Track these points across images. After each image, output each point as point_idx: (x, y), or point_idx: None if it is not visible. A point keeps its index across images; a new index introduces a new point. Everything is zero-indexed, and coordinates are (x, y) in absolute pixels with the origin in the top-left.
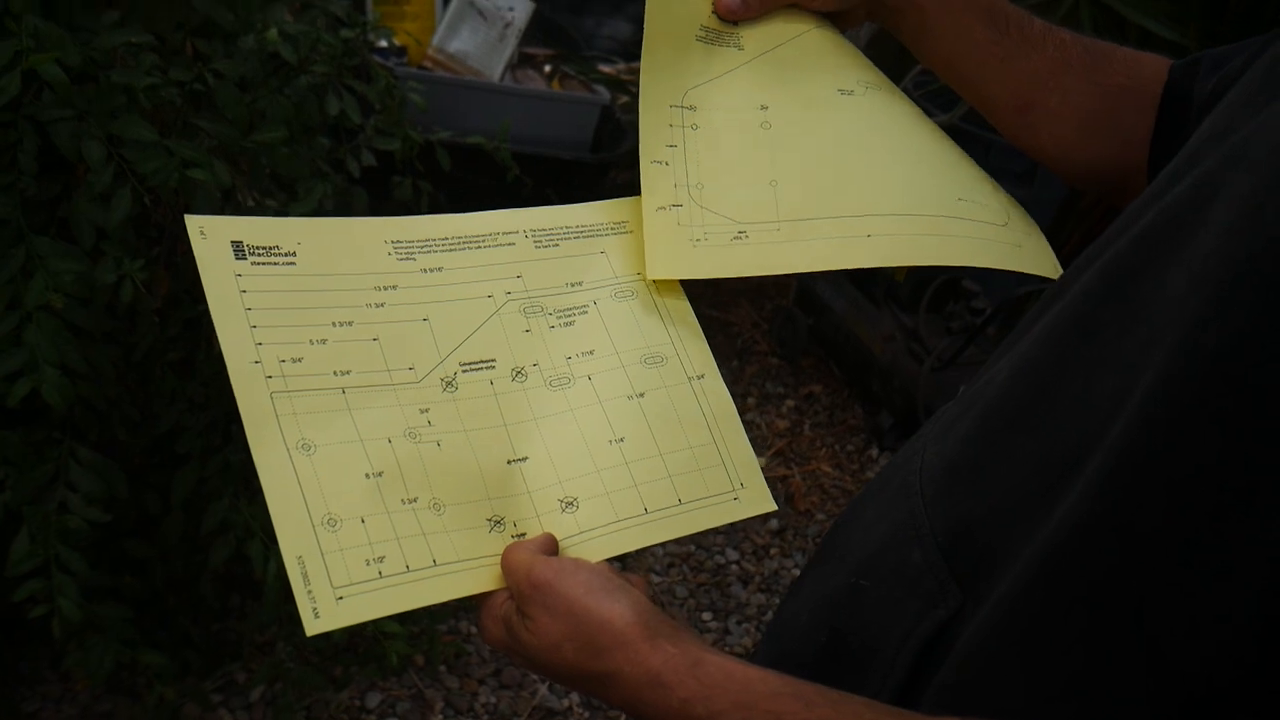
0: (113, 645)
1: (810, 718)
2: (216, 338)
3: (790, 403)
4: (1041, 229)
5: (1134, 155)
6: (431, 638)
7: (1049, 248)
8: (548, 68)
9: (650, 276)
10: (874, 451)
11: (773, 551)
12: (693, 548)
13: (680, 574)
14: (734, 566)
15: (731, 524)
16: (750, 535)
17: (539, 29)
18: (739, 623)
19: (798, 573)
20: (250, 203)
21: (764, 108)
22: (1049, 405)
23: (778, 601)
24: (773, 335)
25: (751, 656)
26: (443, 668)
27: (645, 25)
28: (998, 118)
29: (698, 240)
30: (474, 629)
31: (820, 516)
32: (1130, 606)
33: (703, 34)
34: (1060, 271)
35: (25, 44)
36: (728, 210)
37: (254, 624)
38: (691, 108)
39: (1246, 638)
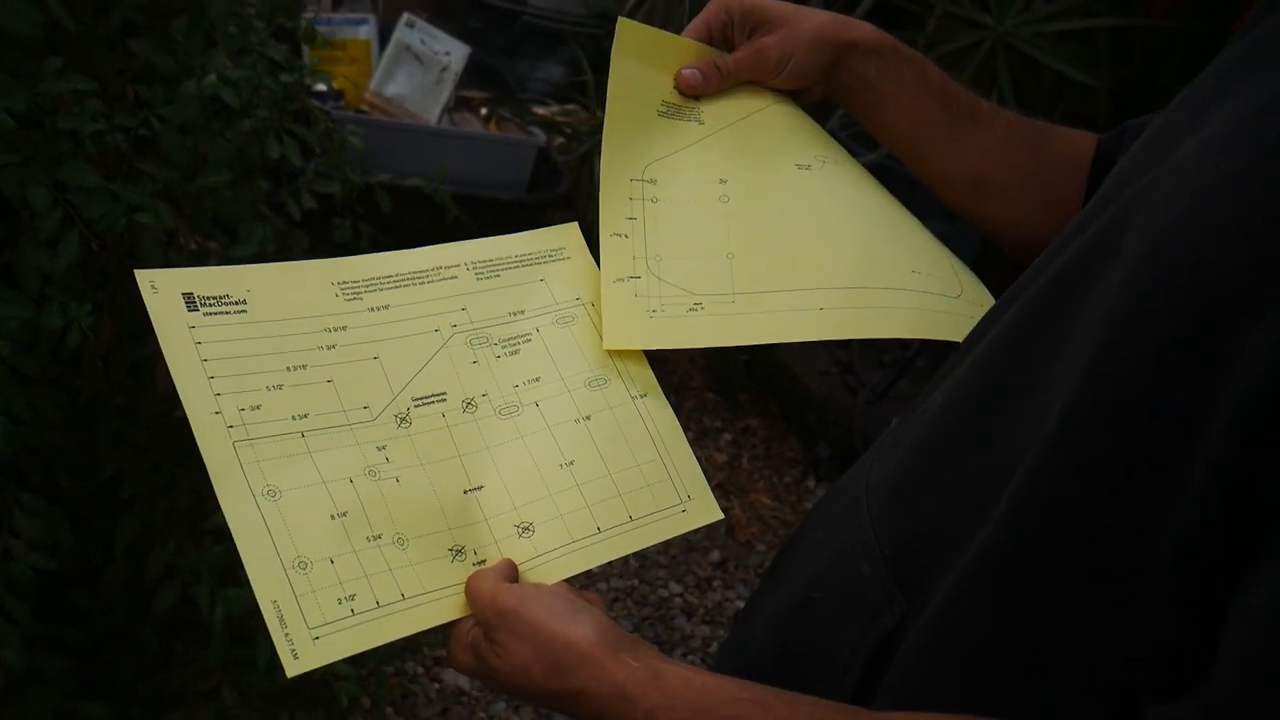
0: (53, 697)
1: (767, 718)
2: (159, 382)
3: (728, 436)
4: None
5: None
6: (379, 679)
7: None
8: (484, 110)
9: (607, 347)
10: (811, 483)
11: (715, 584)
12: (636, 581)
13: (625, 608)
14: (678, 599)
15: (674, 558)
16: (693, 568)
17: (474, 73)
18: (684, 655)
19: (741, 604)
20: (193, 245)
21: (723, 181)
22: (982, 430)
23: (722, 633)
24: (709, 371)
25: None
26: (389, 709)
27: (608, 99)
28: (950, 193)
29: (654, 311)
30: (420, 669)
31: (761, 547)
32: (1045, 615)
33: (664, 109)
34: None
35: None
36: (684, 282)
37: (198, 670)
38: (652, 181)
39: (1151, 643)
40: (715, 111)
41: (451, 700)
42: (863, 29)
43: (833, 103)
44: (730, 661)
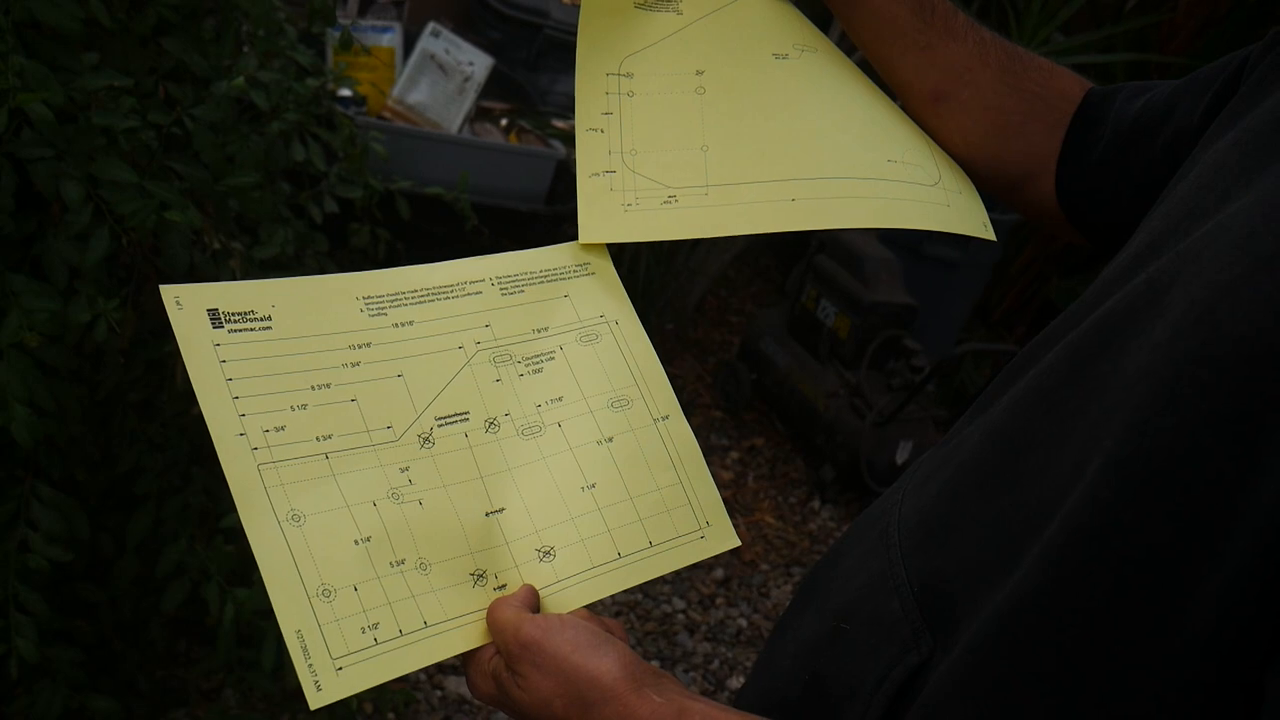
0: (62, 690)
1: None
2: (177, 379)
3: (734, 455)
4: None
5: (1034, 165)
6: (381, 686)
7: (980, 205)
8: (504, 121)
9: (583, 240)
10: (816, 504)
11: (718, 601)
12: (640, 596)
13: (628, 623)
14: (681, 615)
15: (678, 574)
16: (696, 585)
17: (496, 84)
18: (685, 671)
19: (743, 622)
20: (216, 245)
21: (699, 73)
22: (1014, 473)
23: (724, 650)
24: (717, 389)
25: (739, 693)
26: (391, 715)
27: None
28: (912, 104)
29: (629, 205)
30: (423, 676)
31: (764, 566)
32: (1075, 666)
33: (641, 0)
34: (992, 233)
35: (11, 82)
36: (659, 175)
37: (201, 670)
38: (628, 75)
39: (1183, 711)
40: (694, 1)
41: (454, 708)
42: None
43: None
44: (761, 681)
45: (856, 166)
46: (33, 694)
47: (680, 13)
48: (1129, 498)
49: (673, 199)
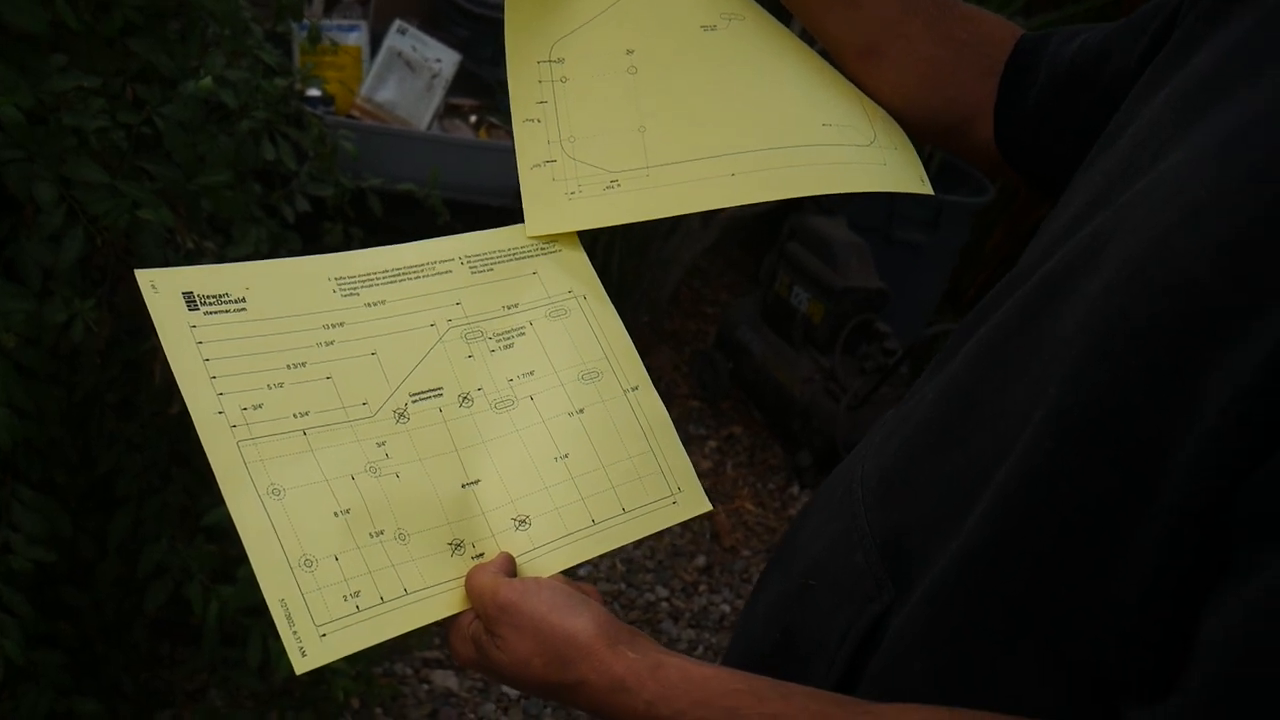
0: (47, 693)
1: (762, 710)
2: (155, 377)
3: (712, 443)
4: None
5: (969, 112)
6: (368, 680)
7: (916, 161)
8: (473, 118)
9: (530, 234)
10: (795, 489)
11: (701, 588)
12: (623, 585)
13: (612, 611)
14: (664, 603)
15: (660, 562)
16: (679, 573)
17: (464, 81)
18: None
19: (726, 608)
20: (190, 244)
21: (630, 52)
22: (966, 427)
23: (708, 637)
24: (694, 379)
25: (727, 651)
26: (379, 710)
27: None
28: (843, 61)
29: (572, 193)
30: (409, 670)
31: (746, 553)
32: (1026, 605)
33: None
34: (929, 188)
35: None
36: (599, 160)
37: (186, 670)
38: (560, 60)
39: (1128, 647)
40: None
41: (440, 701)
42: None
43: None
44: (737, 646)
45: (792, 134)
46: (17, 698)
47: None
48: (1069, 447)
49: (615, 184)
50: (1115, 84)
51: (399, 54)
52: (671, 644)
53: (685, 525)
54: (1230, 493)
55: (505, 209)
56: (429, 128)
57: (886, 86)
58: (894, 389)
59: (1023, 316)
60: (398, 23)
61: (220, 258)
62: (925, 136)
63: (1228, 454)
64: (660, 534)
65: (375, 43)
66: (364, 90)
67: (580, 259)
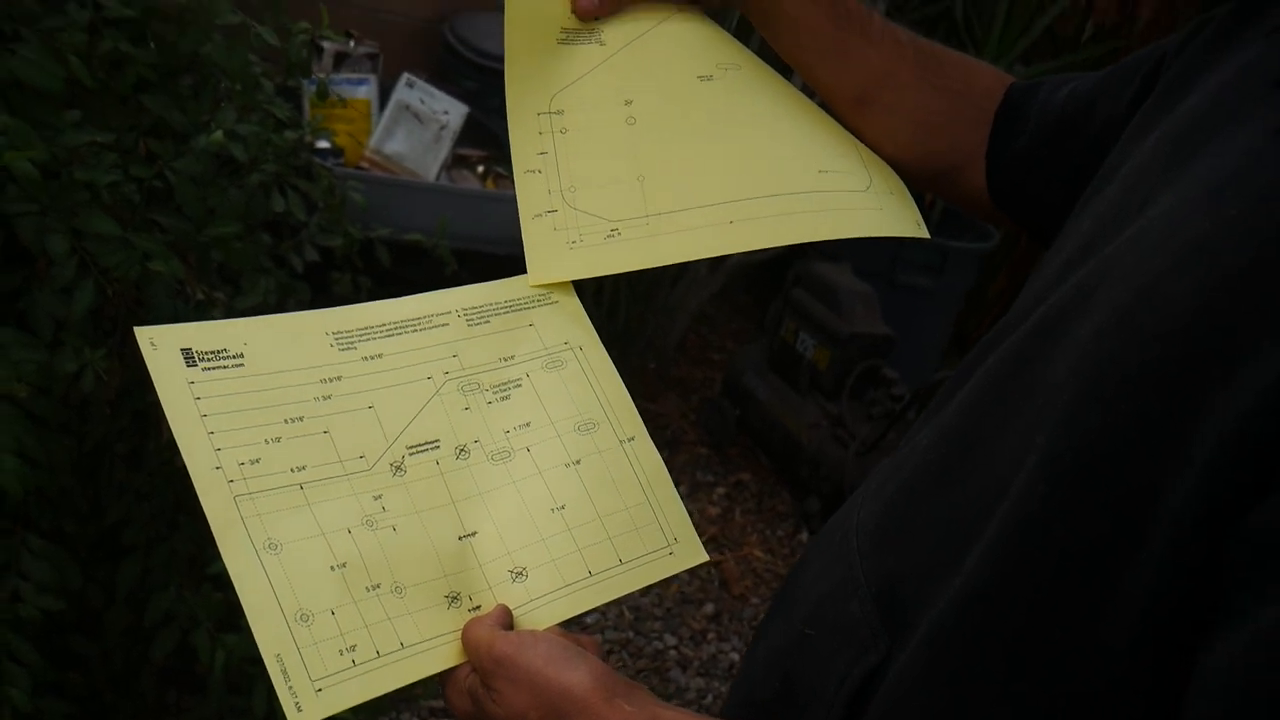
0: None
1: None
2: (165, 429)
3: (720, 490)
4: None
5: (962, 160)
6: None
7: (912, 205)
8: (480, 168)
9: (532, 283)
10: (803, 535)
11: (710, 636)
12: (631, 634)
13: (620, 660)
14: (673, 651)
15: (668, 610)
16: (687, 620)
17: (471, 131)
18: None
19: (735, 656)
20: (200, 295)
21: (628, 102)
22: (960, 472)
23: (717, 685)
24: (701, 425)
25: (728, 698)
26: None
27: (505, 34)
28: (838, 109)
29: (573, 242)
30: None
31: (755, 600)
32: (1022, 648)
33: (563, 35)
34: (925, 231)
35: None
36: (599, 210)
37: (192, 719)
38: (559, 112)
39: (1124, 692)
40: (616, 31)
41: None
42: None
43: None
44: (738, 693)
45: (788, 182)
46: None
47: (603, 43)
48: (1061, 491)
49: (615, 232)
50: (1105, 130)
51: (407, 106)
52: (680, 692)
53: (693, 573)
54: (1221, 539)
55: (512, 257)
56: (437, 178)
57: (880, 134)
58: (901, 434)
59: (1017, 361)
60: (406, 76)
61: (229, 308)
62: (919, 183)
63: (1218, 499)
64: (668, 581)
65: (384, 95)
66: (373, 142)
67: (576, 310)
